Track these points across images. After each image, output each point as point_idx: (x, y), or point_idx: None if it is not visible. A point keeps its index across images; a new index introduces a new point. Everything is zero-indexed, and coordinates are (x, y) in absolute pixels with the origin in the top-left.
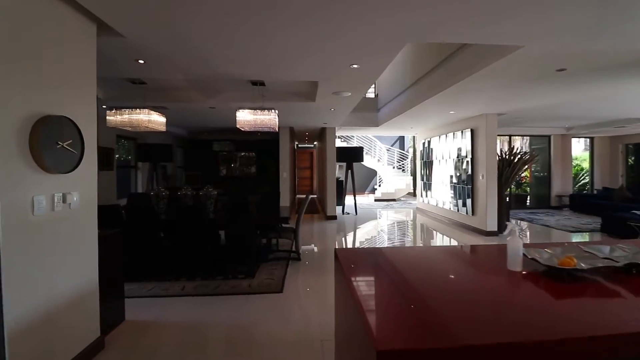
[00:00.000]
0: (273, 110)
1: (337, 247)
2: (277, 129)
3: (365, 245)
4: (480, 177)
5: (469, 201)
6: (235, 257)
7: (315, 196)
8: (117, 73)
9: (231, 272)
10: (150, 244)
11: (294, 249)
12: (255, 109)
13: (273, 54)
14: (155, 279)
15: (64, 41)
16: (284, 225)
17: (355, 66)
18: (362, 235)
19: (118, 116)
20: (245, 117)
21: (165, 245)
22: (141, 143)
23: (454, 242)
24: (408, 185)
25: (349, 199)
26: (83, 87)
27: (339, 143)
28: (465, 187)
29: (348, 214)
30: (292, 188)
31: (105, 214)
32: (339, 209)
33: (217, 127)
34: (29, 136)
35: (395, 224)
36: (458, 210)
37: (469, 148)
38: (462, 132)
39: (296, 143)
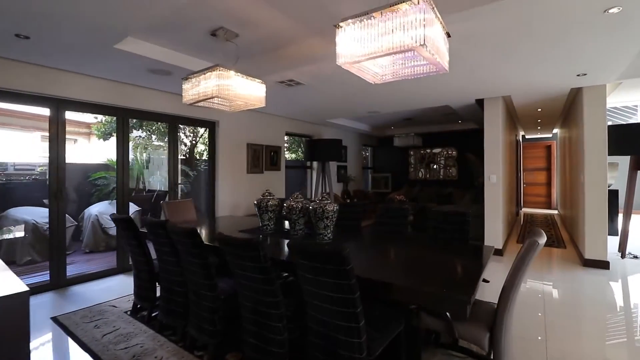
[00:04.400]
0: (419, 3)
1: None
2: (445, 66)
3: None
4: None
5: None
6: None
7: (555, 212)
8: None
9: None
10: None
11: (486, 352)
12: (371, 13)
13: None
14: None
15: None
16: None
17: None
18: None
19: (194, 88)
20: (356, 37)
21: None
22: (313, 140)
23: None
24: None
25: (634, 226)
26: None
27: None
28: None
29: (635, 257)
30: (512, 200)
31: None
32: (611, 243)
33: (393, 114)
34: None
35: None
36: None
37: None
38: None
39: (521, 133)
